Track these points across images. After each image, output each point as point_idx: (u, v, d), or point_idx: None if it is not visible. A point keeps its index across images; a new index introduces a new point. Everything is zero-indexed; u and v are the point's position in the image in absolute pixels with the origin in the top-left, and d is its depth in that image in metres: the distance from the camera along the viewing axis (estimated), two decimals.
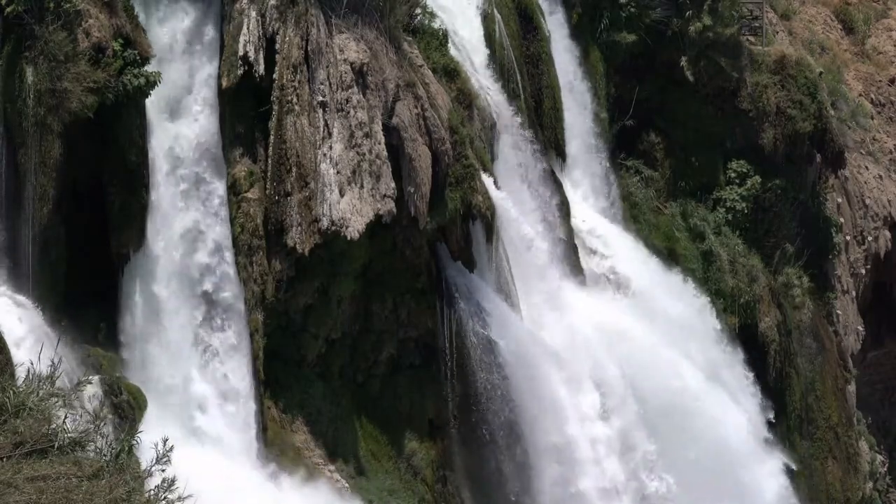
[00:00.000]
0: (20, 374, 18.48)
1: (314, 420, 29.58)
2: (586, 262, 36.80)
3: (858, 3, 54.10)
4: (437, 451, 31.49)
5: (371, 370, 31.04)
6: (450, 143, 30.48)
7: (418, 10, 32.08)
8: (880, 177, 49.34)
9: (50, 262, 25.11)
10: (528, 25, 36.59)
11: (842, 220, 46.00)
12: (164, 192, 27.00)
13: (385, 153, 29.07)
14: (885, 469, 48.13)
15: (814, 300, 43.76)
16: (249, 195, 28.18)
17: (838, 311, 45.46)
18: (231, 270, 27.94)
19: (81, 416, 13.62)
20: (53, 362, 13.82)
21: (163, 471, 12.56)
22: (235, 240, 27.93)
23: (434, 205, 30.17)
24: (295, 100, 28.30)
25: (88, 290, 25.98)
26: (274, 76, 28.33)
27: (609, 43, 39.51)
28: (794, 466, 39.59)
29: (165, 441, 12.62)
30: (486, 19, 35.03)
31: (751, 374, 39.45)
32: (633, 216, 39.73)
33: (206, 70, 27.89)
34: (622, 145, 40.67)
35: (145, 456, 13.53)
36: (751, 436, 38.10)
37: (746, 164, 42.06)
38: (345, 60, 28.99)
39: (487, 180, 32.20)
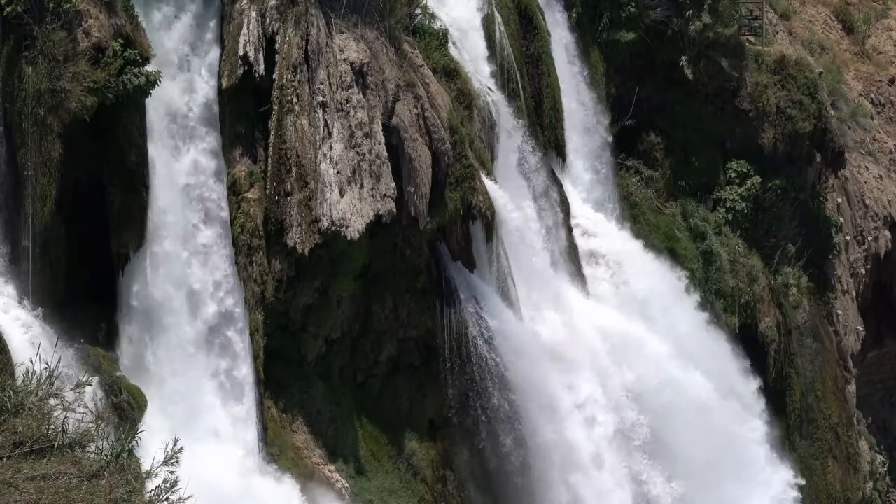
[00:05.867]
0: (20, 373, 18.49)
1: (314, 420, 29.57)
2: (586, 261, 36.80)
3: (858, 3, 54.13)
4: (437, 451, 31.49)
5: (371, 370, 31.04)
6: (450, 143, 30.48)
7: (418, 11, 32.08)
8: (880, 177, 49.35)
9: (50, 262, 25.09)
10: (528, 25, 36.58)
11: (842, 220, 46.02)
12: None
13: (385, 153, 29.06)
14: (885, 469, 48.14)
15: (814, 300, 43.77)
16: (249, 195, 28.17)
17: (838, 311, 45.47)
18: (231, 270, 27.94)
19: (83, 416, 13.60)
20: (48, 364, 13.79)
21: (171, 472, 12.52)
22: (235, 240, 27.92)
23: (434, 205, 30.16)
24: (295, 100, 28.29)
25: (88, 290, 25.96)
26: (274, 76, 28.32)
27: (609, 43, 39.51)
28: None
29: (176, 441, 12.57)
30: (486, 19, 35.02)
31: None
32: (633, 216, 39.74)
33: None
34: (622, 145, 40.66)
35: (145, 456, 13.51)
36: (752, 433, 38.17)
37: (746, 164, 42.08)
38: (345, 60, 28.98)
39: (487, 180, 32.19)
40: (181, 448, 12.40)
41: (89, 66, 24.77)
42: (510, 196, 33.18)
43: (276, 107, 28.25)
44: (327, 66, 28.72)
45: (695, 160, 41.95)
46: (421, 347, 31.54)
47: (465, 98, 32.70)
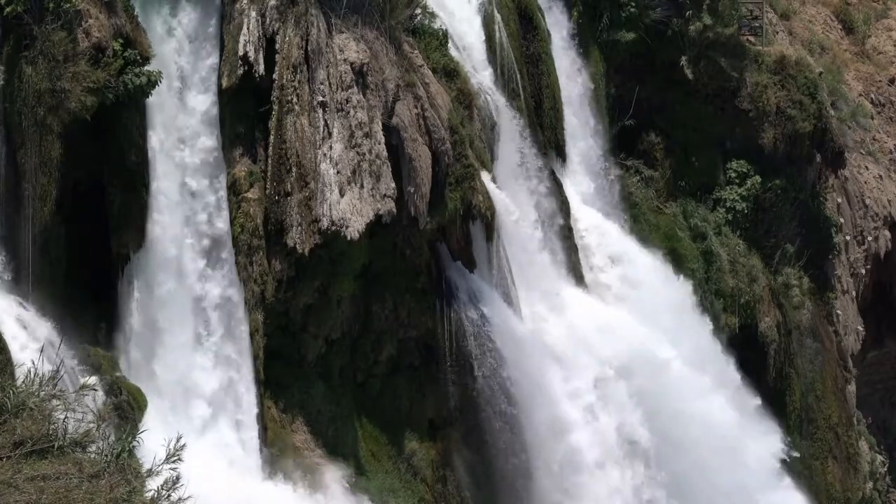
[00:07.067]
0: (20, 374, 18.47)
1: (314, 420, 29.57)
2: (585, 261, 36.78)
3: (858, 3, 54.11)
4: (437, 451, 31.49)
5: (371, 370, 31.04)
6: (450, 143, 30.47)
7: (418, 11, 32.07)
8: (880, 177, 49.35)
9: (50, 262, 25.10)
10: (528, 25, 36.57)
11: (842, 220, 46.02)
12: None
13: (385, 153, 29.06)
14: (885, 469, 48.13)
15: (814, 300, 43.76)
16: (249, 195, 28.17)
17: (838, 311, 45.46)
18: (231, 270, 27.94)
19: (83, 417, 13.59)
20: (56, 364, 13.78)
21: (174, 469, 12.50)
22: (235, 240, 27.91)
23: (434, 205, 30.16)
24: (295, 100, 28.29)
25: (88, 290, 25.96)
26: (274, 76, 28.31)
27: (609, 42, 39.49)
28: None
29: (179, 439, 12.57)
30: (486, 19, 35.01)
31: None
32: (633, 216, 39.71)
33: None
34: (622, 145, 40.65)
35: (146, 456, 13.49)
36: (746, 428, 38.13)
37: (746, 164, 42.07)
38: (345, 60, 28.98)
39: (487, 180, 32.19)
40: (184, 445, 12.39)
41: (89, 66, 24.77)
42: (510, 196, 33.18)
43: (276, 107, 28.25)
44: (327, 66, 28.72)
45: (695, 160, 41.94)
46: (421, 347, 31.54)
47: (465, 98, 32.69)
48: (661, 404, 34.93)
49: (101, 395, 23.63)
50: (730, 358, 39.17)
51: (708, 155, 42.13)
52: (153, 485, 12.55)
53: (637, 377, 34.77)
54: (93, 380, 23.32)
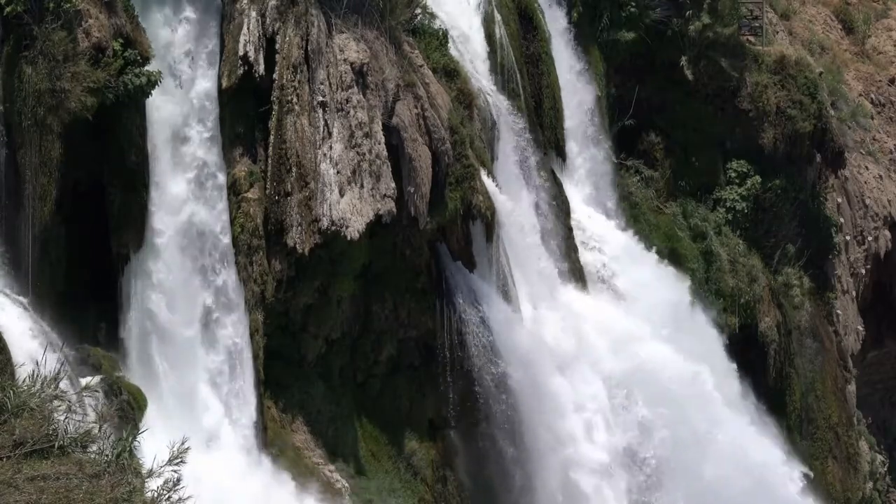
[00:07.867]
0: (21, 374, 18.46)
1: (314, 420, 29.57)
2: (585, 261, 36.78)
3: (858, 3, 54.14)
4: (437, 451, 31.49)
5: (371, 370, 31.04)
6: (450, 143, 30.47)
7: (418, 11, 32.06)
8: (880, 177, 49.37)
9: (50, 262, 25.10)
10: (528, 25, 36.59)
11: (842, 220, 46.04)
12: None
13: (385, 153, 29.06)
14: (885, 469, 48.16)
15: (814, 300, 43.78)
16: (249, 195, 28.16)
17: (838, 311, 45.48)
18: (231, 270, 27.94)
19: (84, 417, 13.59)
20: (58, 366, 13.78)
21: (175, 471, 12.51)
22: (235, 240, 27.91)
23: (434, 205, 30.16)
24: (295, 100, 28.29)
25: (88, 290, 25.95)
26: (274, 76, 28.31)
27: (609, 42, 39.52)
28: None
29: (183, 441, 12.57)
30: (486, 19, 35.02)
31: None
32: (634, 216, 39.73)
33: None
34: (622, 145, 40.67)
35: (146, 456, 13.48)
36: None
37: (746, 164, 42.10)
38: (345, 60, 28.98)
39: (487, 180, 32.19)
40: (188, 448, 12.40)
41: (89, 66, 24.77)
42: (510, 196, 33.18)
43: (276, 107, 28.24)
44: (327, 66, 28.72)
45: (695, 160, 41.96)
46: (421, 347, 31.54)
47: (465, 98, 32.69)
48: (660, 403, 34.94)
49: (100, 394, 23.62)
50: (729, 354, 39.23)
51: (708, 155, 42.17)
52: (153, 485, 12.56)
53: (636, 377, 34.78)
54: (94, 380, 23.38)
